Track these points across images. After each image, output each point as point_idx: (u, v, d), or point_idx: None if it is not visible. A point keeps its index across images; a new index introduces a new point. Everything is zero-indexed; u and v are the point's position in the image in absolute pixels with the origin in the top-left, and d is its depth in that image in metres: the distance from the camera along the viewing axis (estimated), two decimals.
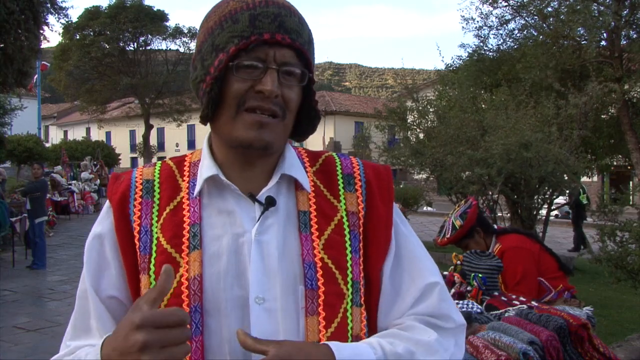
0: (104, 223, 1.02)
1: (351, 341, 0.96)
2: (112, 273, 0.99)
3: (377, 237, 1.02)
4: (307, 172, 1.05)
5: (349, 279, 0.97)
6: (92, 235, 1.03)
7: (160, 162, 1.08)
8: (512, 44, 14.47)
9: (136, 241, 0.97)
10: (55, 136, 48.97)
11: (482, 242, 3.29)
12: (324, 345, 0.88)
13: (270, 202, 0.96)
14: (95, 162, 22.54)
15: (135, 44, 33.69)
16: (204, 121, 0.99)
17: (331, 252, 0.97)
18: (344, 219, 1.01)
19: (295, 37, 0.94)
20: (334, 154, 1.11)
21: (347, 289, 0.96)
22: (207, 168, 1.00)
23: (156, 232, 0.97)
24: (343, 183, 1.05)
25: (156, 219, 0.98)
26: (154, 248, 0.96)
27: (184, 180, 1.02)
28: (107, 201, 1.04)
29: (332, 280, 0.95)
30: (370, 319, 1.02)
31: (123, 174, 1.06)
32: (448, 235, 3.28)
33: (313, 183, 1.03)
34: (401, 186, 16.33)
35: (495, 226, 3.51)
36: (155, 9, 32.95)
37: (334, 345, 0.88)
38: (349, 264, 0.98)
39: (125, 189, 1.02)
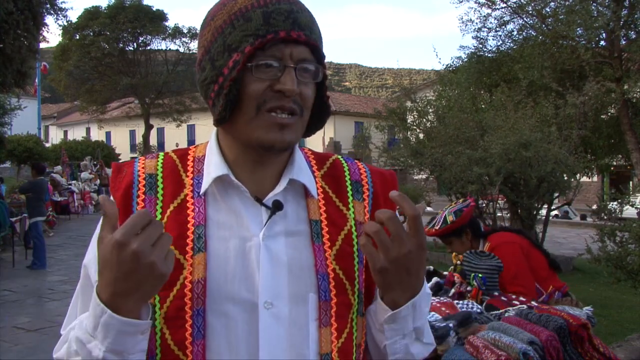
0: None
1: (355, 350, 0.96)
2: None
3: None
4: (314, 175, 1.03)
5: (356, 289, 0.97)
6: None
7: (162, 153, 1.06)
8: (511, 45, 14.48)
9: None
10: (55, 136, 48.91)
11: (467, 244, 3.27)
12: None
13: (277, 207, 0.95)
14: (95, 162, 22.54)
15: (135, 44, 33.68)
16: (220, 124, 0.96)
17: (342, 263, 0.97)
18: (353, 229, 1.00)
19: (309, 33, 0.92)
20: (340, 157, 1.10)
21: (354, 299, 0.97)
22: (216, 166, 0.97)
23: None
24: (352, 190, 1.04)
25: (160, 216, 0.96)
26: None
27: (187, 176, 1.00)
28: (111, 196, 1.02)
29: (343, 291, 0.95)
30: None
31: (124, 165, 1.03)
32: (437, 227, 3.25)
33: (322, 189, 1.02)
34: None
35: (482, 227, 3.49)
36: (154, 9, 32.95)
37: None
38: (356, 275, 0.98)
39: (128, 185, 0.99)
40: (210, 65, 0.94)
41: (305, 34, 0.91)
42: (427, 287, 1.02)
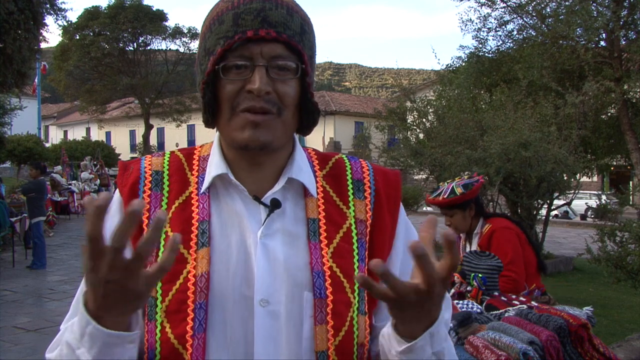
0: (115, 218, 0.97)
1: (356, 349, 0.95)
2: None
3: (382, 246, 1.01)
4: (316, 175, 1.03)
5: (355, 287, 0.96)
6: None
7: (169, 152, 1.07)
8: (511, 45, 14.49)
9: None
10: (55, 136, 48.94)
11: (468, 219, 3.30)
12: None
13: (275, 205, 0.96)
14: (95, 162, 22.54)
15: (135, 44, 33.69)
16: (206, 126, 1.00)
17: (340, 261, 0.96)
18: (353, 227, 1.00)
19: (281, 29, 0.91)
20: (344, 156, 1.09)
21: (354, 298, 0.96)
22: (216, 165, 0.99)
23: (165, 227, 0.95)
24: (353, 189, 1.04)
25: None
26: (162, 242, 0.94)
27: (192, 175, 1.01)
28: (117, 192, 1.02)
29: (340, 288, 0.95)
30: (371, 325, 1.00)
31: (131, 162, 1.04)
32: (445, 196, 3.25)
33: (322, 188, 1.02)
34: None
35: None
36: (154, 9, 32.95)
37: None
38: (356, 272, 0.97)
39: (135, 181, 1.00)
40: (199, 70, 0.98)
41: (276, 31, 0.91)
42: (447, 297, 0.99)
